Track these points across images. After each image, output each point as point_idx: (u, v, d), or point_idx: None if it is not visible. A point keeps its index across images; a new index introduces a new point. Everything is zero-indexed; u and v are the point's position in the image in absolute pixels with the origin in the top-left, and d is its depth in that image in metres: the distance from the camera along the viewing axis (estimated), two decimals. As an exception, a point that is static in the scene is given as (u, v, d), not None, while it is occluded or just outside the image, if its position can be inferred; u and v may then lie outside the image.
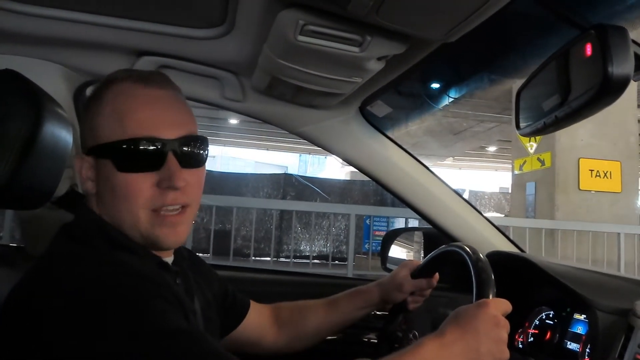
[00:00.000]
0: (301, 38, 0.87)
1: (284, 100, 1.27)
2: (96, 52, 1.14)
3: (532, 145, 6.94)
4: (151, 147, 0.75)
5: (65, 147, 0.88)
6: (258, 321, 1.10)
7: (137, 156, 0.75)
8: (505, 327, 0.79)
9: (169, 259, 0.86)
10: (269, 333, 1.11)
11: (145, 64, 1.15)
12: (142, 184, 0.75)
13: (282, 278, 1.62)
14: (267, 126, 11.87)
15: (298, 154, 18.16)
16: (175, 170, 0.76)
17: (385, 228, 7.52)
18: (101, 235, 0.76)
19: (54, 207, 1.09)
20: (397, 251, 1.70)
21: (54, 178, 0.91)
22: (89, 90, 1.27)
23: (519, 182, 7.37)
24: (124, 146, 0.74)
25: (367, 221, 7.64)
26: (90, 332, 0.62)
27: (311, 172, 17.37)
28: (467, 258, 0.91)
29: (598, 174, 6.60)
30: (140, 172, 0.75)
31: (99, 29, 1.04)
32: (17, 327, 0.65)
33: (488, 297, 0.82)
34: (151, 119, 0.76)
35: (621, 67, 0.66)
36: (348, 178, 13.31)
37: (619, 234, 6.03)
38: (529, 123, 0.90)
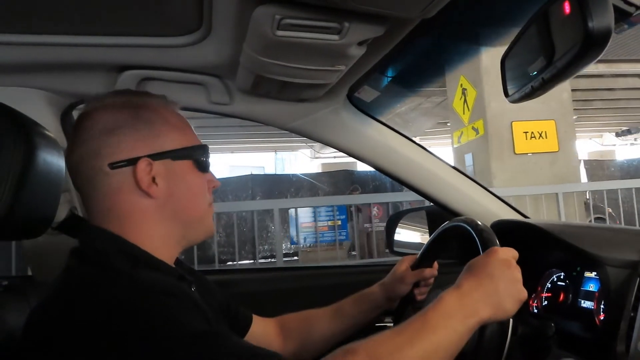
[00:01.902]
0: (280, 33, 0.87)
1: (271, 97, 1.26)
2: (77, 72, 1.13)
3: (467, 115, 6.54)
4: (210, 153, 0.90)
5: (59, 172, 0.87)
6: (263, 333, 1.10)
7: (207, 159, 0.88)
8: (517, 269, 0.81)
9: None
10: (275, 345, 1.11)
11: (128, 78, 1.14)
12: (205, 183, 0.87)
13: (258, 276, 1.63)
14: (228, 129, 11.63)
15: (274, 152, 17.84)
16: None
17: (313, 219, 7.15)
18: (121, 253, 0.74)
19: (55, 233, 1.09)
20: (406, 234, 1.69)
21: (52, 204, 0.91)
22: (75, 113, 1.26)
23: (458, 155, 6.96)
24: (202, 150, 0.86)
25: (293, 214, 7.37)
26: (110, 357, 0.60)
27: (289, 169, 17.20)
28: (470, 229, 0.92)
29: (533, 136, 6.31)
30: (207, 173, 0.88)
31: (77, 50, 1.03)
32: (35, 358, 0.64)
33: None
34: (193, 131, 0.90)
35: (601, 20, 0.66)
36: (320, 170, 13.33)
37: (557, 194, 5.76)
38: (516, 89, 0.90)
